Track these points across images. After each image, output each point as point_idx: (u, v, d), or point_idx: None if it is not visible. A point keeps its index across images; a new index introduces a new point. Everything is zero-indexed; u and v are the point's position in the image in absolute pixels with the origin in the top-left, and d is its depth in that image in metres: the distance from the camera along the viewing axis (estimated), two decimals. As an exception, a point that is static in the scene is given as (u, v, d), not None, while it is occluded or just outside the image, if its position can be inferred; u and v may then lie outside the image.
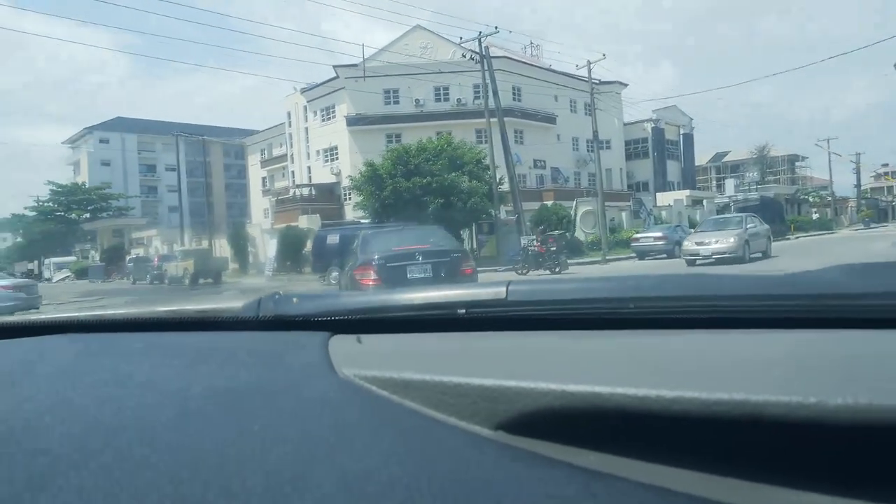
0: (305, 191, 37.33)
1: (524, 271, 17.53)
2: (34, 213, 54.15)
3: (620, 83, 42.63)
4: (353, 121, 35.20)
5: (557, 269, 17.34)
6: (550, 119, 38.69)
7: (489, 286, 0.79)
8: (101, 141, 67.51)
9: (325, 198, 36.41)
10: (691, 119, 49.38)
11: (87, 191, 55.55)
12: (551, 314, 0.77)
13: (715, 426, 0.45)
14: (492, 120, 22.26)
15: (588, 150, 42.02)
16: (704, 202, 36.93)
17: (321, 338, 0.77)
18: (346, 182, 29.79)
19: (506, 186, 23.15)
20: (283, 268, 25.53)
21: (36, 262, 52.44)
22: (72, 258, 48.07)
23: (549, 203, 26.02)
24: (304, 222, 27.33)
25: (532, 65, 39.59)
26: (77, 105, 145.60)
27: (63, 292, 24.86)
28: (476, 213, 21.69)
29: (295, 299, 0.91)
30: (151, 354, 0.80)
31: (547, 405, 0.50)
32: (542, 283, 0.83)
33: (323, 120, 38.88)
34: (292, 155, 42.88)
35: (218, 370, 0.69)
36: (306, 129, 40.68)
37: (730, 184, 48.43)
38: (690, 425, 0.46)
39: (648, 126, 45.72)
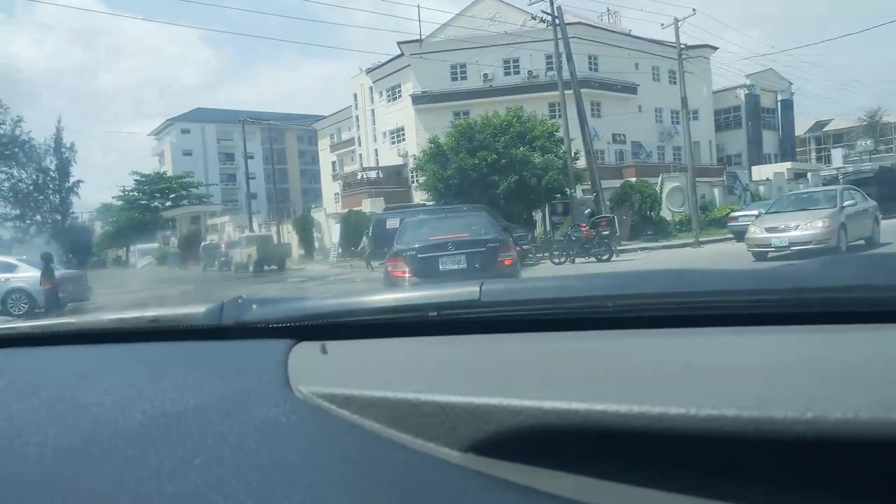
0: (372, 174, 36.44)
1: (561, 260, 15.50)
2: (121, 203, 56.64)
3: (710, 47, 38.73)
4: (418, 98, 33.76)
5: (605, 257, 15.25)
6: (631, 89, 35.68)
7: (462, 286, 0.77)
8: (183, 131, 69.90)
9: (393, 180, 35.42)
10: (790, 83, 44.56)
11: (168, 179, 57.56)
12: (527, 315, 0.74)
13: (704, 445, 0.42)
14: (566, 92, 20.13)
15: (673, 122, 38.64)
16: (809, 175, 32.94)
17: (283, 347, 0.73)
18: (412, 163, 28.51)
19: (582, 163, 21.03)
20: (348, 253, 24.65)
21: (124, 249, 54.96)
22: (155, 245, 49.81)
23: (633, 180, 23.55)
24: (367, 206, 26.28)
25: (609, 30, 36.58)
26: (166, 99, 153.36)
27: (139, 279, 25.05)
28: (550, 192, 19.70)
29: (254, 305, 0.85)
30: (94, 371, 0.75)
31: (520, 424, 0.46)
32: (517, 283, 0.83)
33: (389, 100, 37.70)
34: (359, 138, 42.10)
35: (164, 389, 0.64)
36: (372, 110, 39.70)
37: (837, 154, 43.45)
38: (677, 443, 0.43)
39: (741, 93, 41.56)
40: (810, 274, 0.69)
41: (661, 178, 24.72)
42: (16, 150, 54.89)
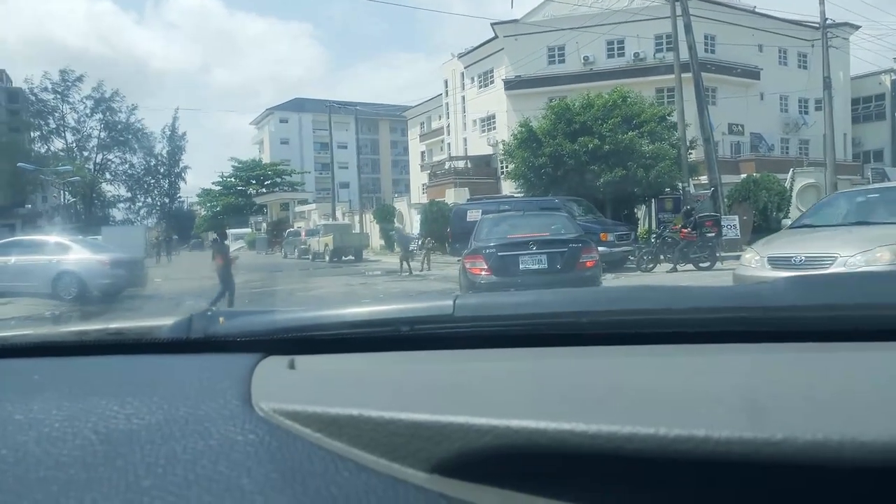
0: (460, 163, 34.77)
1: (649, 266, 12.97)
2: (219, 188, 58.65)
3: (850, 25, 33.68)
4: (511, 83, 31.57)
5: (707, 265, 12.58)
6: (752, 73, 31.61)
7: (436, 300, 0.77)
8: (281, 121, 71.50)
9: (481, 171, 33.63)
10: (948, 69, 38.12)
11: (263, 166, 58.98)
12: (500, 330, 0.75)
13: (676, 466, 0.42)
14: (683, 76, 17.31)
15: (801, 112, 34.07)
16: (975, 175, 27.65)
17: (249, 362, 0.71)
18: (501, 150, 26.52)
19: (695, 155, 18.12)
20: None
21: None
22: (248, 230, 50.92)
23: (756, 175, 20.19)
24: (451, 197, 24.57)
25: (730, 6, 32.58)
26: (273, 91, 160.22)
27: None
28: (658, 186, 16.98)
29: (221, 318, 0.83)
30: (48, 386, 0.71)
31: (487, 444, 0.46)
32: (491, 297, 0.82)
33: (480, 86, 35.76)
34: (448, 126, 40.52)
35: (119, 405, 0.61)
36: (463, 97, 37.92)
37: None
38: (649, 464, 0.42)
39: (886, 79, 35.98)
40: (780, 293, 0.70)
41: (791, 173, 21.15)
42: (129, 136, 58.25)
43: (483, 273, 6.83)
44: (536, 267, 6.93)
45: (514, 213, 9.99)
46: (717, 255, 12.96)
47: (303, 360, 0.71)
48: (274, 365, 0.70)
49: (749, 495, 0.42)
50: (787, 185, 20.17)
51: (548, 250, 7.02)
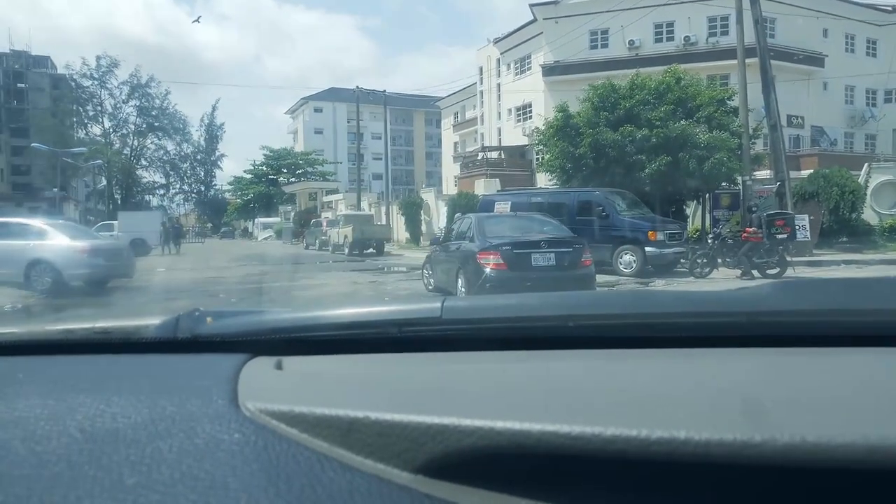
0: (493, 154, 33.00)
1: (705, 271, 11.07)
2: (250, 176, 58.11)
3: (927, 9, 30.61)
4: (550, 70, 29.59)
5: (775, 271, 10.62)
6: (816, 61, 28.93)
7: (424, 303, 0.78)
8: (316, 110, 70.70)
9: (515, 162, 31.83)
10: None
11: (294, 155, 58.20)
12: (488, 333, 0.75)
13: (657, 468, 0.42)
14: (736, 61, 15.20)
15: (868, 104, 31.18)
16: None
17: (236, 362, 0.71)
18: (535, 139, 24.63)
19: (753, 148, 15.98)
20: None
21: (251, 222, 56.34)
22: (277, 219, 50.12)
23: (827, 171, 17.85)
24: (480, 188, 22.87)
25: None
26: (327, 80, 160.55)
27: (227, 255, 23.60)
28: (714, 179, 14.94)
29: (209, 319, 0.83)
30: (32, 384, 0.71)
31: (471, 445, 0.46)
32: (479, 300, 0.83)
33: (516, 73, 33.85)
34: (482, 116, 38.71)
35: (105, 404, 0.61)
36: (498, 84, 36.05)
37: None
38: (630, 466, 0.43)
39: (967, 69, 32.70)
40: (765, 297, 0.71)
41: (865, 168, 18.75)
42: (165, 121, 58.13)
43: (498, 267, 7.41)
44: (546, 264, 7.70)
45: (508, 215, 10.72)
46: (788, 259, 10.98)
47: (290, 361, 0.70)
48: (261, 365, 0.69)
49: (735, 497, 0.42)
50: (862, 181, 17.82)
51: (556, 250, 7.85)
